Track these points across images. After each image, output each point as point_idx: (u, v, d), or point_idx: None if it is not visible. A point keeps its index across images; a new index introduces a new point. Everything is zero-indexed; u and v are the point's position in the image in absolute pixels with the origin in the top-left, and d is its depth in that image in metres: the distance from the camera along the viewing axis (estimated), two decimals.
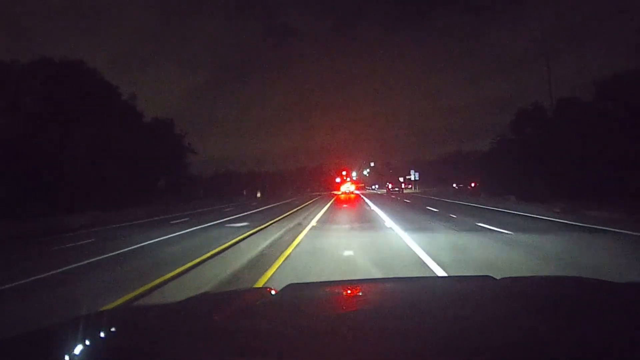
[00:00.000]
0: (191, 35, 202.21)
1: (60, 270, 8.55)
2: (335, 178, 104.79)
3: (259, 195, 67.70)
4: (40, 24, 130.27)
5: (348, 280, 4.24)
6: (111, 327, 1.47)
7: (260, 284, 6.47)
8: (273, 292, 2.09)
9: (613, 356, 1.08)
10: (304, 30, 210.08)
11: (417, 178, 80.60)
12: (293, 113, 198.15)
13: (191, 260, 8.51)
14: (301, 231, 13.60)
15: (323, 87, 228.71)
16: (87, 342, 1.25)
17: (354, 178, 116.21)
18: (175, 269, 7.72)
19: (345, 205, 31.66)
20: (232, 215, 23.22)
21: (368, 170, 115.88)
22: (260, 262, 8.37)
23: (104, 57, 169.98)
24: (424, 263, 7.57)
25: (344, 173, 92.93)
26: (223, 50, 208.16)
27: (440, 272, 6.76)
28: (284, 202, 42.65)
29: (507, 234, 11.44)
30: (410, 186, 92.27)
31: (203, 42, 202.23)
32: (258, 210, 28.95)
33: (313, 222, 16.96)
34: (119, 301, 5.63)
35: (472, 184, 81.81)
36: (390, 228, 13.85)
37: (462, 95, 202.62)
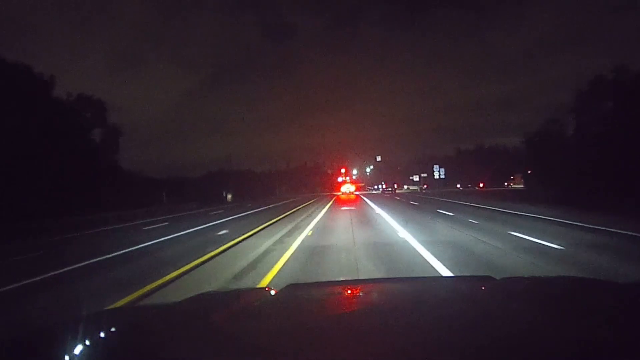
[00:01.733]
0: (188, 34, 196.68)
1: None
2: (336, 177, 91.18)
3: (229, 198, 53.12)
4: (35, 21, 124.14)
5: (348, 280, 4.51)
6: (111, 327, 1.48)
7: None
8: (273, 292, 2.11)
9: (613, 356, 1.08)
10: (302, 28, 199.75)
11: (442, 176, 63.00)
12: (293, 111, 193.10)
13: None
14: None
15: (323, 84, 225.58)
16: (87, 342, 1.25)
17: (354, 177, 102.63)
18: None
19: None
20: None
21: (371, 167, 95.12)
22: None
23: (100, 55, 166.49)
24: None
25: (342, 171, 77.68)
26: (220, 49, 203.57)
27: None
28: (257, 210, 28.74)
29: None
30: (425, 186, 77.66)
31: (200, 40, 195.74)
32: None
33: None
34: None
35: (481, 184, 68.25)
36: None
37: (466, 93, 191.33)
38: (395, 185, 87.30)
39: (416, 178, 78.48)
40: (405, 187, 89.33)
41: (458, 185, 71.57)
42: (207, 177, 78.64)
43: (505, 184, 73.37)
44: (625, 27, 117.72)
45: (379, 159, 72.93)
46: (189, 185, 60.78)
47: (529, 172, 61.56)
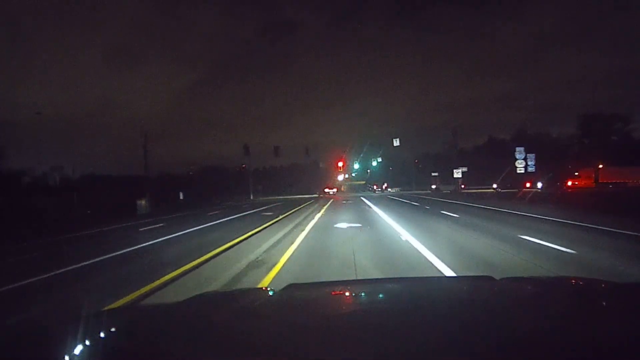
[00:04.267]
0: (185, 31, 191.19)
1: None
2: (334, 173, 72.45)
3: (143, 204, 32.72)
4: (31, 18, 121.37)
5: (348, 281, 4.51)
6: (111, 327, 1.47)
7: None
8: (273, 292, 2.09)
9: (613, 356, 1.07)
10: (303, 25, 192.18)
11: (532, 167, 38.80)
12: (293, 109, 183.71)
13: None
14: None
15: (323, 82, 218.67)
16: (88, 342, 1.24)
17: (354, 174, 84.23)
18: None
19: None
20: None
21: (379, 160, 66.40)
22: None
23: (96, 52, 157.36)
24: None
25: (340, 164, 55.84)
26: (219, 46, 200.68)
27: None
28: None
29: None
30: (462, 186, 55.64)
31: (198, 37, 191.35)
32: None
33: None
34: None
35: (527, 184, 48.44)
36: None
37: (466, 91, 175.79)
38: (384, 186, 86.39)
39: (457, 174, 52.87)
40: (433, 186, 66.38)
41: (494, 186, 50.16)
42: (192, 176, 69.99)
43: (569, 182, 53.38)
44: (629, 25, 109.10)
45: (396, 143, 47.13)
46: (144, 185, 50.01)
47: (600, 166, 46.61)
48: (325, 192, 65.17)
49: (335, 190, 72.56)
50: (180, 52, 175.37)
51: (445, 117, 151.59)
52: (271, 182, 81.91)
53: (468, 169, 62.98)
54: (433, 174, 69.27)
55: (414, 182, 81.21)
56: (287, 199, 53.63)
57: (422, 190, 69.52)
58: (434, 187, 65.98)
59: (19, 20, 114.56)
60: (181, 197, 46.81)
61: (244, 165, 71.29)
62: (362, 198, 44.16)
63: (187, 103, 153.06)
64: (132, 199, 33.47)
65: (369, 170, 77.61)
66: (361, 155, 64.34)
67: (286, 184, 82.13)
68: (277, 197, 58.38)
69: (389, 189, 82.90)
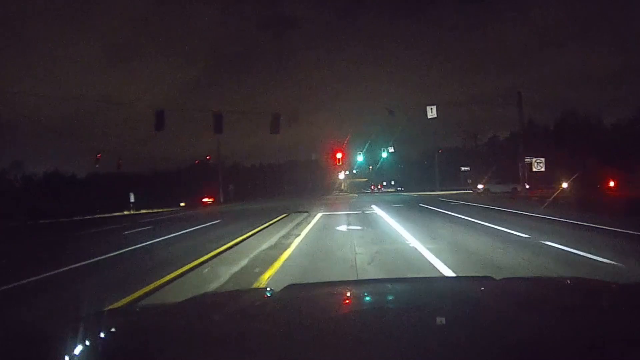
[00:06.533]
0: (185, 26, 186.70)
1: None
2: (332, 169, 59.22)
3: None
4: (29, 15, 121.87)
5: (348, 281, 4.43)
6: (111, 328, 1.46)
7: None
8: (273, 292, 2.09)
9: (613, 356, 1.08)
10: (304, 21, 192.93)
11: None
12: (293, 106, 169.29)
13: None
14: None
15: (323, 79, 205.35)
16: (88, 343, 1.25)
17: (355, 170, 71.35)
18: None
19: None
20: None
21: (390, 150, 47.69)
22: None
23: (95, 47, 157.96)
24: None
25: (338, 156, 38.69)
26: (219, 42, 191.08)
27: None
28: None
29: None
30: (527, 186, 36.01)
31: (197, 33, 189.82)
32: None
33: None
34: None
35: (611, 182, 33.04)
36: None
37: (464, 89, 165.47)
38: (380, 186, 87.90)
39: (538, 166, 33.59)
40: (480, 186, 44.25)
41: (564, 185, 33.09)
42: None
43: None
44: (631, 21, 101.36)
45: (432, 113, 27.17)
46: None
47: None
48: (203, 202, 48.97)
49: (213, 200, 52.63)
50: (180, 48, 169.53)
51: (450, 112, 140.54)
52: (262, 182, 69.11)
53: (504, 163, 47.15)
54: (463, 169, 52.68)
55: (438, 181, 60.58)
56: (256, 209, 31.32)
57: (450, 191, 48.72)
58: (480, 187, 41.58)
59: (16, 18, 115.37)
60: (132, 200, 41.99)
61: (208, 157, 56.37)
62: (375, 209, 21.99)
63: (186, 99, 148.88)
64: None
65: (370, 167, 64.96)
66: (367, 145, 49.24)
67: (273, 184, 68.35)
68: (245, 206, 35.16)
69: (382, 189, 75.08)
